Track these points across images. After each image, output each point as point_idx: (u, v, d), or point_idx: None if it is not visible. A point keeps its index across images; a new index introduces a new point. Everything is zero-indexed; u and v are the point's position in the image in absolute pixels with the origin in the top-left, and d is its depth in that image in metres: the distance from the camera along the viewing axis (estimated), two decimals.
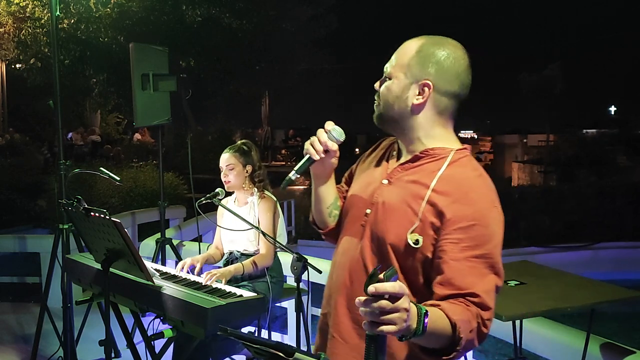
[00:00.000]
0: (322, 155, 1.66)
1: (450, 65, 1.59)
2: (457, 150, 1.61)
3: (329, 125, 1.67)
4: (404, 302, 1.23)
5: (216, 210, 3.58)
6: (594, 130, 28.04)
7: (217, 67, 15.65)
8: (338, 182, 1.89)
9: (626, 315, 5.74)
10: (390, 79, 1.64)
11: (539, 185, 12.23)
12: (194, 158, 4.56)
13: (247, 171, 3.44)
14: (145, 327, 3.04)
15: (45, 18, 12.51)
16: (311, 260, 2.92)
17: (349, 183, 1.86)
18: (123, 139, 23.07)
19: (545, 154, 18.42)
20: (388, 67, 1.65)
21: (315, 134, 1.67)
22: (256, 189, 3.46)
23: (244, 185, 3.45)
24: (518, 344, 3.26)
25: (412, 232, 1.53)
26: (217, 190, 3.37)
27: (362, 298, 1.23)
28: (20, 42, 13.57)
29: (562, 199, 8.39)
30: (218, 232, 3.63)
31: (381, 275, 1.24)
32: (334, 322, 1.69)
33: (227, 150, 3.49)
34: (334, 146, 1.66)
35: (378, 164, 1.75)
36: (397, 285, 1.22)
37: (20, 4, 12.74)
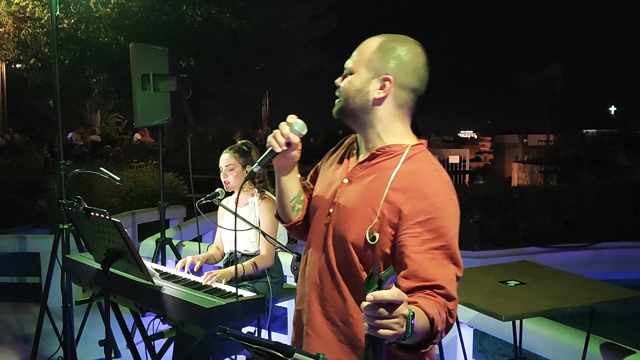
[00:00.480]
0: (284, 148, 1.69)
1: (409, 60, 1.65)
2: (412, 145, 1.66)
3: (291, 118, 1.70)
4: (403, 309, 1.25)
5: (216, 210, 3.58)
6: (594, 130, 28.05)
7: (217, 67, 15.66)
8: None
9: (626, 315, 5.74)
10: (352, 73, 1.68)
11: (539, 185, 12.22)
12: (194, 158, 4.56)
13: (247, 172, 3.43)
14: (145, 327, 3.04)
15: (45, 18, 12.51)
16: None
17: (314, 180, 1.90)
18: (123, 139, 23.07)
19: (546, 154, 18.43)
20: (349, 63, 1.70)
21: (277, 128, 1.71)
22: (256, 190, 3.46)
23: (244, 186, 3.44)
24: (518, 344, 3.26)
25: (370, 230, 1.58)
26: (217, 190, 3.37)
27: (365, 303, 1.25)
28: (20, 42, 13.58)
29: (562, 199, 8.38)
30: (219, 232, 3.63)
31: (378, 274, 1.25)
32: (308, 319, 1.73)
33: (226, 150, 3.49)
34: (295, 139, 1.69)
35: (340, 163, 1.80)
36: (395, 293, 1.24)
37: (20, 4, 12.75)
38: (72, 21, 12.95)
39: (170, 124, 4.49)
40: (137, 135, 21.68)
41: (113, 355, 3.95)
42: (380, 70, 1.64)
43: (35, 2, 12.74)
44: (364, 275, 1.60)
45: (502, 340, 4.18)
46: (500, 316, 2.59)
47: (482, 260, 6.62)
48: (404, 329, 1.27)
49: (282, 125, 1.69)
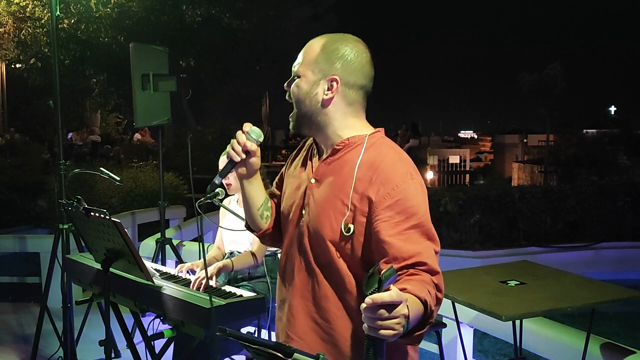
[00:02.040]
0: (243, 156, 1.71)
1: (354, 58, 1.67)
2: (370, 134, 1.69)
3: (247, 126, 1.71)
4: (402, 309, 1.26)
5: (216, 210, 3.57)
6: (594, 130, 28.03)
7: (217, 67, 15.67)
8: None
9: (627, 315, 5.75)
10: (299, 77, 1.70)
11: (539, 185, 12.21)
12: (194, 158, 4.56)
13: None
14: (145, 327, 3.04)
15: (45, 18, 12.51)
16: None
17: (280, 187, 1.92)
18: (123, 139, 23.06)
19: (546, 154, 18.41)
20: (296, 67, 1.72)
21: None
22: None
23: None
24: (518, 344, 3.26)
25: (344, 222, 1.61)
26: (217, 190, 3.36)
27: (364, 305, 1.25)
28: (20, 42, 13.58)
29: (563, 198, 8.38)
30: (219, 232, 3.63)
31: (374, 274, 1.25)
32: (290, 323, 1.75)
33: (225, 152, 3.48)
34: (252, 146, 1.71)
35: (304, 165, 1.81)
36: (394, 294, 1.24)
37: (20, 4, 12.75)
38: (72, 21, 12.95)
39: (170, 124, 4.49)
40: (137, 135, 21.66)
41: (113, 355, 3.95)
42: (327, 72, 1.66)
43: (35, 2, 12.74)
44: (344, 269, 1.62)
45: (502, 340, 4.18)
46: (501, 316, 2.59)
47: (483, 260, 6.62)
48: (404, 327, 1.28)
49: (239, 134, 1.70)
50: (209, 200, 3.31)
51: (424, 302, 1.41)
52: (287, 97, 1.75)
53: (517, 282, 3.01)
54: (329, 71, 1.66)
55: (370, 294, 1.25)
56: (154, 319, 2.80)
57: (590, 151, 16.43)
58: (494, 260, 6.36)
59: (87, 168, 5.84)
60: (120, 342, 3.89)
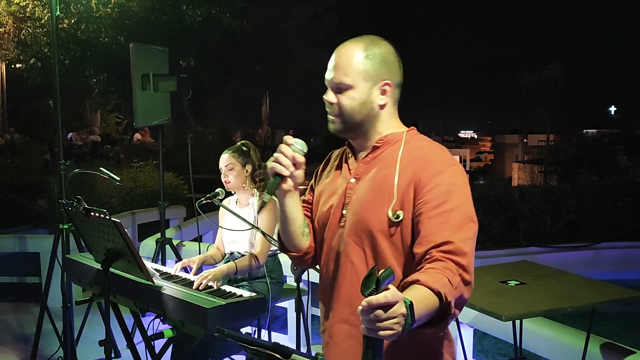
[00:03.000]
0: (292, 169, 1.66)
1: (393, 59, 1.70)
2: (407, 131, 1.73)
3: (290, 139, 1.67)
4: (399, 308, 1.26)
5: (216, 210, 3.57)
6: (594, 130, 28.05)
7: (217, 67, 15.67)
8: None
9: (627, 314, 5.74)
10: (349, 88, 1.67)
11: (539, 185, 12.21)
12: (194, 158, 4.56)
13: (246, 171, 3.43)
14: (145, 327, 3.04)
15: (45, 18, 12.51)
16: None
17: (310, 197, 1.88)
18: (123, 139, 23.06)
19: (546, 154, 18.42)
20: (341, 77, 1.67)
21: (281, 143, 1.67)
22: (256, 190, 3.45)
23: (244, 185, 3.44)
24: (518, 344, 3.26)
25: (392, 209, 1.60)
26: (217, 190, 3.37)
27: (360, 308, 1.26)
28: (20, 42, 13.57)
29: (563, 199, 8.38)
30: (220, 232, 3.62)
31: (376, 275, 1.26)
32: (330, 330, 1.73)
33: (226, 151, 3.49)
34: (301, 158, 1.67)
35: (337, 172, 1.80)
36: (389, 295, 1.24)
37: (20, 3, 12.74)
38: (72, 21, 12.94)
39: (170, 124, 4.49)
40: (137, 135, 21.67)
41: (113, 355, 3.95)
42: (377, 78, 1.67)
43: (35, 2, 12.73)
44: (391, 260, 1.61)
45: (502, 340, 4.18)
46: (501, 316, 2.59)
47: (483, 260, 6.61)
48: (404, 326, 1.29)
49: (284, 147, 1.65)
50: (209, 200, 3.33)
51: (438, 294, 1.41)
52: (329, 110, 1.71)
53: (517, 282, 3.01)
54: (380, 77, 1.67)
55: (369, 295, 1.25)
56: (154, 319, 2.80)
57: (590, 151, 16.44)
58: (494, 260, 6.35)
59: (87, 168, 5.84)
60: (120, 342, 3.89)
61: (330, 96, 1.70)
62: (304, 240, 1.80)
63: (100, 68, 14.32)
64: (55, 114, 3.96)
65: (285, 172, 1.65)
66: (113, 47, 13.29)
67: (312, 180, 1.91)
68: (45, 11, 12.50)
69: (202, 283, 2.91)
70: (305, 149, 1.68)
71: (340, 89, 1.68)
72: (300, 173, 1.70)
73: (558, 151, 18.16)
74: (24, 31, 13.26)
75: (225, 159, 3.44)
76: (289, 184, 1.70)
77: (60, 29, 12.35)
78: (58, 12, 4.01)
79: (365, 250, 1.65)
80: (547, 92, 20.56)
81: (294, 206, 1.76)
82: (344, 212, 1.70)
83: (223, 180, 3.45)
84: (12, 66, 16.05)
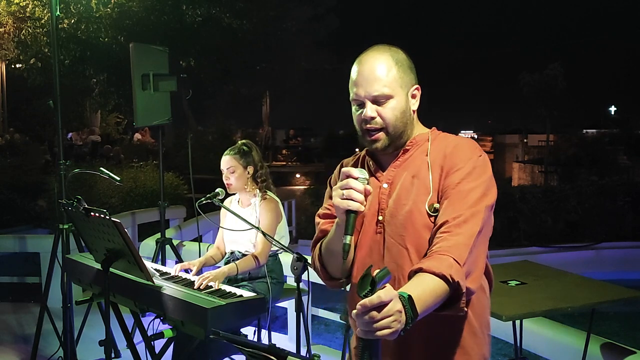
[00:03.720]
0: (365, 203, 1.57)
1: (411, 64, 1.74)
2: (431, 131, 1.77)
3: (355, 172, 1.57)
4: (394, 306, 1.27)
5: (217, 210, 3.57)
6: (594, 130, 28.04)
7: (217, 67, 15.66)
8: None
9: (627, 314, 5.75)
10: (389, 98, 1.66)
11: (539, 185, 12.22)
12: (194, 158, 4.55)
13: (248, 172, 3.41)
14: (145, 327, 3.04)
15: (45, 18, 12.50)
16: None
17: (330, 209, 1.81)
18: (123, 139, 23.05)
19: (546, 154, 18.43)
20: (381, 89, 1.64)
21: (352, 183, 1.56)
22: (258, 190, 3.44)
23: (246, 187, 3.43)
24: (518, 344, 3.26)
25: (429, 203, 1.62)
26: (217, 190, 3.36)
27: (354, 312, 1.26)
28: (20, 42, 13.56)
29: (563, 199, 8.38)
30: (220, 232, 3.62)
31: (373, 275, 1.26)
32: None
33: (227, 152, 3.46)
34: (370, 189, 1.58)
35: None
36: (382, 294, 1.25)
37: (20, 4, 12.74)
38: (72, 21, 12.93)
39: (170, 124, 4.49)
40: (137, 135, 21.67)
41: (113, 355, 3.95)
42: (409, 84, 1.71)
43: (35, 2, 12.73)
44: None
45: (503, 340, 4.17)
46: (501, 316, 2.59)
47: None
48: (403, 322, 1.29)
49: (352, 182, 1.55)
50: (209, 200, 3.32)
51: (443, 277, 1.43)
52: (372, 125, 1.66)
53: (518, 282, 3.01)
54: (410, 82, 1.71)
55: (364, 296, 1.25)
56: (154, 319, 2.80)
57: (591, 151, 16.44)
58: (494, 260, 6.34)
59: (87, 168, 5.84)
60: (120, 342, 3.89)
61: (370, 110, 1.66)
62: (349, 263, 1.75)
63: (100, 68, 14.31)
64: (55, 114, 3.95)
65: (362, 208, 1.55)
66: (113, 47, 13.28)
67: (329, 189, 1.84)
68: (45, 11, 12.50)
69: (202, 283, 2.91)
70: (368, 176, 1.59)
71: (378, 101, 1.66)
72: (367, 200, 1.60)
73: (558, 151, 18.17)
74: (24, 31, 13.26)
75: (227, 161, 3.41)
76: (363, 214, 1.67)
77: (60, 29, 12.35)
78: (58, 12, 4.00)
79: (409, 248, 1.63)
80: (547, 92, 20.57)
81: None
82: (380, 217, 1.68)
83: (225, 182, 3.43)
84: (12, 66, 16.04)
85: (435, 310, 1.45)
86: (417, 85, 1.73)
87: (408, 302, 1.33)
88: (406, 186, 1.67)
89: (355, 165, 1.80)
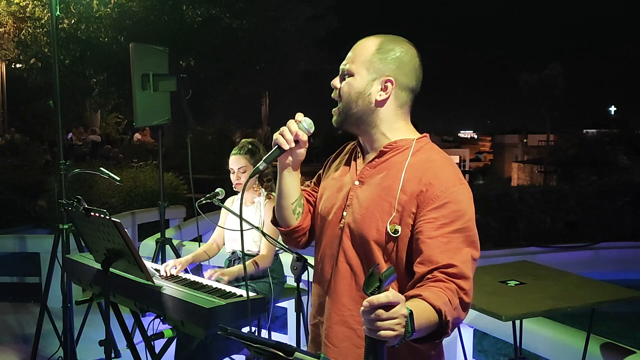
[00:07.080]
0: (292, 145, 1.68)
1: (408, 60, 1.67)
2: (417, 139, 1.69)
3: (299, 116, 1.70)
4: (401, 309, 1.26)
5: (216, 210, 3.57)
6: (594, 130, 28.05)
7: (217, 67, 15.66)
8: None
9: (627, 314, 5.74)
10: (351, 75, 1.67)
11: (539, 185, 12.23)
12: (194, 158, 4.56)
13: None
14: (145, 327, 3.04)
15: (45, 18, 12.50)
16: (311, 260, 2.91)
17: (315, 189, 1.89)
18: (123, 139, 23.05)
19: (546, 154, 18.44)
20: (347, 64, 1.68)
21: (281, 126, 1.70)
22: (264, 189, 3.45)
23: (253, 186, 3.45)
24: (518, 344, 3.26)
25: (390, 223, 1.59)
26: (217, 190, 3.36)
27: (362, 308, 1.26)
28: (20, 42, 13.56)
29: (562, 199, 8.39)
30: (218, 228, 3.61)
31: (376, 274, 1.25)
32: (326, 330, 1.72)
33: (236, 151, 3.45)
34: (304, 136, 1.69)
35: (345, 168, 1.79)
36: (390, 295, 1.24)
37: (20, 3, 12.74)
38: (72, 21, 12.93)
39: (170, 124, 4.49)
40: (137, 135, 21.65)
41: (113, 355, 3.95)
42: (382, 72, 1.64)
43: (35, 2, 12.73)
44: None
45: (502, 340, 4.18)
46: (500, 316, 2.59)
47: (482, 260, 6.57)
48: (405, 328, 1.28)
49: (291, 122, 1.68)
50: (209, 200, 3.32)
51: (439, 311, 1.40)
52: (333, 95, 1.72)
53: (517, 282, 3.02)
54: (384, 71, 1.64)
55: (371, 294, 1.25)
56: (154, 319, 2.80)
57: (590, 151, 16.45)
58: (493, 261, 6.35)
59: (87, 168, 5.84)
60: (120, 342, 3.89)
61: (335, 80, 1.71)
62: (293, 217, 1.82)
63: (100, 68, 14.31)
64: (55, 114, 3.95)
65: (285, 146, 1.67)
66: (113, 47, 13.28)
67: (321, 170, 1.90)
68: (45, 11, 12.50)
69: (212, 275, 3.03)
70: (312, 129, 1.69)
71: (343, 75, 1.69)
72: (302, 152, 1.72)
73: (558, 151, 18.18)
74: (24, 31, 13.25)
75: (238, 161, 3.41)
76: (288, 159, 1.74)
77: (60, 29, 12.35)
78: (58, 12, 4.01)
79: (361, 256, 1.65)
80: (547, 92, 20.59)
81: (291, 182, 1.78)
82: (344, 213, 1.69)
83: (234, 181, 3.43)
84: (12, 66, 16.04)
85: (412, 340, 1.42)
86: (390, 78, 1.64)
87: (409, 316, 1.31)
88: (373, 195, 1.64)
89: (350, 153, 1.82)
